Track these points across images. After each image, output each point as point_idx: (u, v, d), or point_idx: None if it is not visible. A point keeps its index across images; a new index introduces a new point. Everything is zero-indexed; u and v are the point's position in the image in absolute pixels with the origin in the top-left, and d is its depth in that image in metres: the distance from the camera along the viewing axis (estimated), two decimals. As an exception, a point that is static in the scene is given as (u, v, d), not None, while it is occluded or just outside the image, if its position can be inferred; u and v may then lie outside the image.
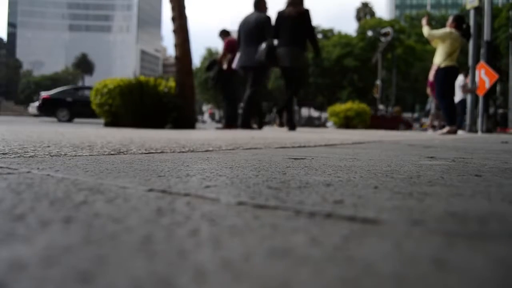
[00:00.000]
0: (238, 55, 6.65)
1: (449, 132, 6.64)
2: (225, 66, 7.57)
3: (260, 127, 7.10)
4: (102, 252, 0.40)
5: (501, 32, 32.31)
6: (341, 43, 40.29)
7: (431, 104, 10.65)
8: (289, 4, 6.11)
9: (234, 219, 0.56)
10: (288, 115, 6.59)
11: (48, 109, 14.87)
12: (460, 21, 6.83)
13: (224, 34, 8.07)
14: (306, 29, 6.07)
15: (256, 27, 6.35)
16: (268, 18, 6.37)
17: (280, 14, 6.12)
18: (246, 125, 6.61)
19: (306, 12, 6.05)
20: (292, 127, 6.34)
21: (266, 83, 6.88)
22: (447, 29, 6.76)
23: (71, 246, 0.42)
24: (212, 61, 8.22)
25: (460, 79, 10.01)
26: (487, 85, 10.35)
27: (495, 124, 15.71)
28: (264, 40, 6.09)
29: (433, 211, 0.64)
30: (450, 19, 6.95)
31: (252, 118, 7.08)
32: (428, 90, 9.92)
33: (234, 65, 6.83)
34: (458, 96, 10.15)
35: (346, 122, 15.07)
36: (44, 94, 15.25)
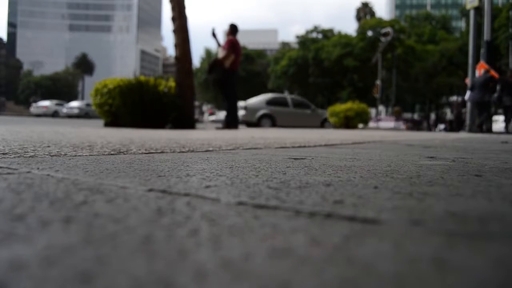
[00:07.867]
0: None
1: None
2: (227, 64, 7.55)
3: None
4: (102, 252, 0.40)
5: (501, 32, 32.29)
6: (341, 43, 40.22)
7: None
8: (509, 77, 10.93)
9: (234, 219, 0.56)
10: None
11: None
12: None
13: (232, 29, 7.87)
14: None
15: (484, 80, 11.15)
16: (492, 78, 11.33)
17: (506, 79, 10.92)
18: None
19: None
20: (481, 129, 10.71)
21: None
22: None
23: (71, 246, 0.42)
24: (212, 62, 8.17)
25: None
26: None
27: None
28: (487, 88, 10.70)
29: (433, 211, 0.64)
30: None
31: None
32: None
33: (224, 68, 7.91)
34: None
35: (346, 122, 15.08)
36: None
